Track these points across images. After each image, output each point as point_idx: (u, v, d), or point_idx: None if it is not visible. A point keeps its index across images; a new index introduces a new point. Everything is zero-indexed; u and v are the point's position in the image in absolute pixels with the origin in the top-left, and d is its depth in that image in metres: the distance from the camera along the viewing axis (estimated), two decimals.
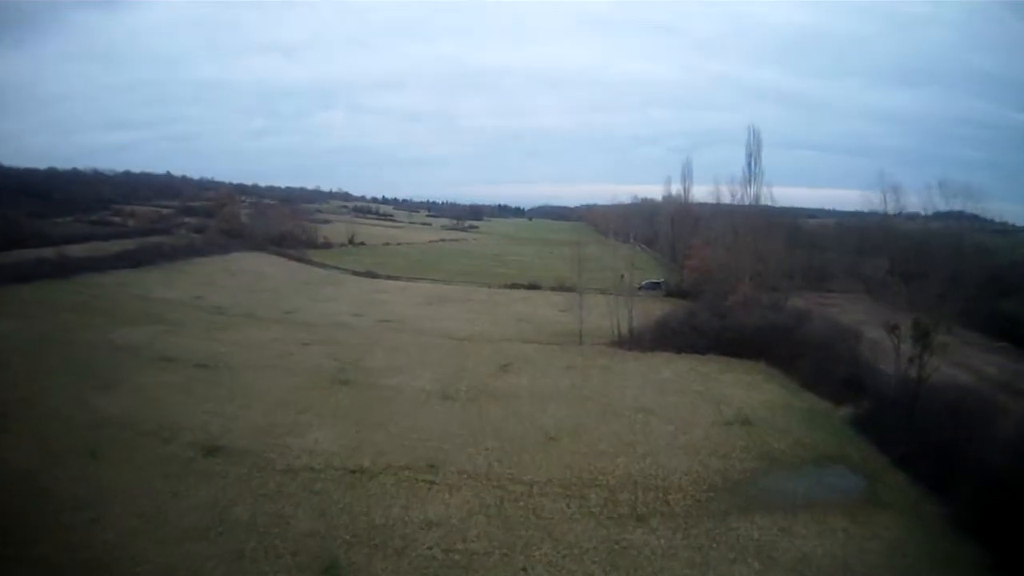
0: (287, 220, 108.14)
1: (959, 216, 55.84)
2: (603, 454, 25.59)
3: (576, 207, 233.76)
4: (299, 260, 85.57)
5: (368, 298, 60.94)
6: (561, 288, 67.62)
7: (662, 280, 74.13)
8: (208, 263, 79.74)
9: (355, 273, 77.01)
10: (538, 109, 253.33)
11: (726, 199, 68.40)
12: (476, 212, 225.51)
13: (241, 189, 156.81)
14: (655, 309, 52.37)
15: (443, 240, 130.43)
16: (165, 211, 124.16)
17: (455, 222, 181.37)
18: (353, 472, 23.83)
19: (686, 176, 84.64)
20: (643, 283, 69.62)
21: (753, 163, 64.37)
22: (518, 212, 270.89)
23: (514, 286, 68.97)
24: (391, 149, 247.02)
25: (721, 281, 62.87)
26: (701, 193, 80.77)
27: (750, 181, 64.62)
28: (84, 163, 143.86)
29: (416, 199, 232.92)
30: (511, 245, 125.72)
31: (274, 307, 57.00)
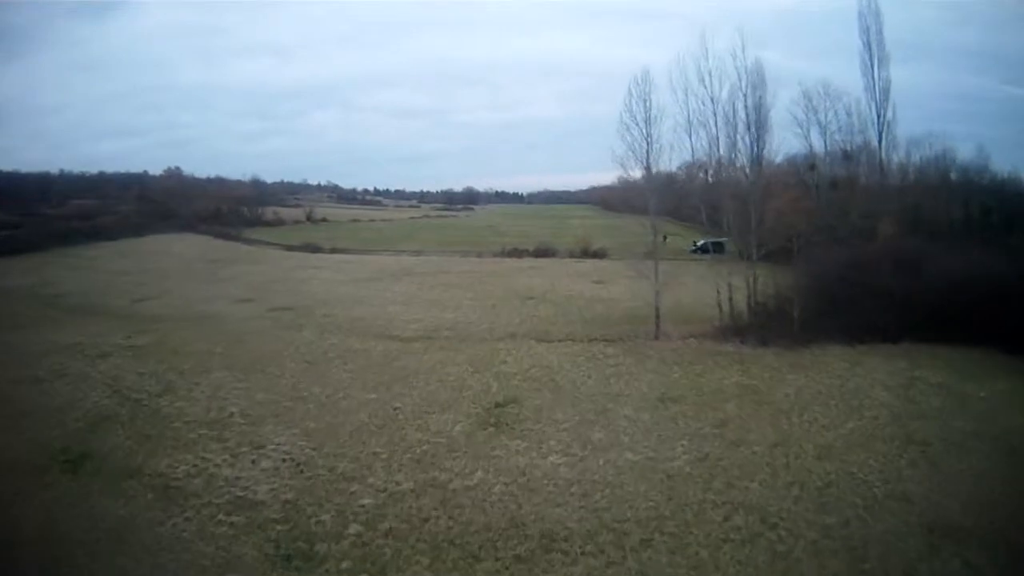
0: (224, 197, 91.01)
1: None
2: None
3: (577, 191, 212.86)
4: (228, 238, 67.89)
5: (283, 276, 38.27)
6: (586, 255, 45.30)
7: (725, 239, 51.38)
8: (108, 247, 63.62)
9: (289, 248, 54.87)
10: (531, 100, 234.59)
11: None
12: (471, 197, 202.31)
13: (220, 183, 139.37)
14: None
15: (427, 217, 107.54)
16: (109, 202, 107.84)
17: (446, 205, 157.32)
18: None
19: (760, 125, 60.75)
20: (699, 243, 48.36)
21: (873, 45, 39.88)
22: (516, 198, 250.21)
23: (515, 253, 45.91)
24: (386, 146, 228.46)
25: (830, 227, 40.28)
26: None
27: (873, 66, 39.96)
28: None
29: (409, 190, 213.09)
30: (510, 219, 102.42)
31: (131, 295, 36.35)
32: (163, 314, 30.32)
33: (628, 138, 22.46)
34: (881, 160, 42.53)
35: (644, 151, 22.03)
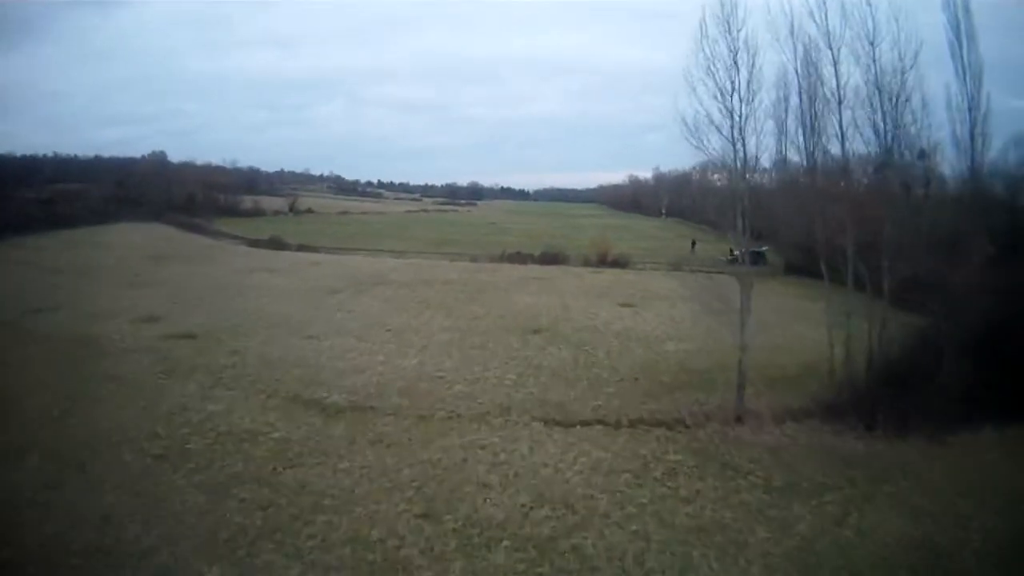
0: (201, 184, 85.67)
1: None
2: None
3: (584, 190, 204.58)
4: (195, 230, 61.53)
5: (223, 283, 30.47)
6: (605, 263, 37.47)
7: (765, 248, 43.22)
8: (65, 236, 54.87)
9: (254, 243, 47.39)
10: (536, 97, 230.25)
11: None
12: (475, 192, 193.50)
13: (202, 170, 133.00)
14: (787, 297, 22.63)
15: (425, 211, 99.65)
16: (93, 187, 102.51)
17: (449, 200, 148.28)
18: None
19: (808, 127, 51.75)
20: (735, 253, 40.08)
21: (960, 19, 31.75)
22: (522, 194, 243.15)
23: (517, 258, 37.94)
24: (390, 140, 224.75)
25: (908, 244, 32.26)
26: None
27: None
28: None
29: (413, 183, 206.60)
30: (514, 216, 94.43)
31: (33, 302, 29.48)
32: (45, 333, 22.72)
33: (701, 91, 13.39)
34: (973, 159, 34.42)
35: (730, 112, 13.36)
